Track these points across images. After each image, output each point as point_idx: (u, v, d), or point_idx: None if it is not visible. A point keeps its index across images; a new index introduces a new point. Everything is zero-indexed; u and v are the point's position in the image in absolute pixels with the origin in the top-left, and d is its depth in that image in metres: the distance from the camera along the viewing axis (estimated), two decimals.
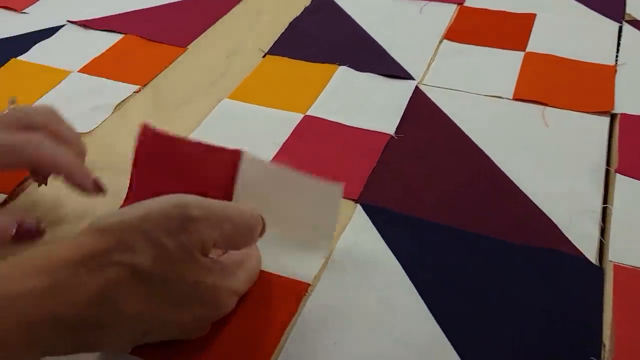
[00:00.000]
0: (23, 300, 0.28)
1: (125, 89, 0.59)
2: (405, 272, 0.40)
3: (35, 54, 0.65)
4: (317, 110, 0.54)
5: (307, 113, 0.54)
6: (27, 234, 0.38)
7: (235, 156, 0.40)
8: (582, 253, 0.41)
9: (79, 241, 0.31)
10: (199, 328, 0.35)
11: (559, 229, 0.43)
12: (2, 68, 0.63)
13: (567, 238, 0.42)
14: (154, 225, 0.31)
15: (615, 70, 0.57)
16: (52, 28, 0.69)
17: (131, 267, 0.30)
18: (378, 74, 0.58)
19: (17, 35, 0.68)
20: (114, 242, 0.30)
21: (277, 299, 0.39)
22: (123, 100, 0.58)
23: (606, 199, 0.45)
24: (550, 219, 0.43)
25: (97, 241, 0.30)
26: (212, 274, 0.33)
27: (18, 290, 0.28)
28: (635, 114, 0.52)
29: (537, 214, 0.44)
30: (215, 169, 0.41)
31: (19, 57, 0.64)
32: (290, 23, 0.68)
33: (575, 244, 0.42)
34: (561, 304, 0.38)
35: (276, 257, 0.41)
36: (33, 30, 0.69)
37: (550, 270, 0.40)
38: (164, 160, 0.42)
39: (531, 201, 0.45)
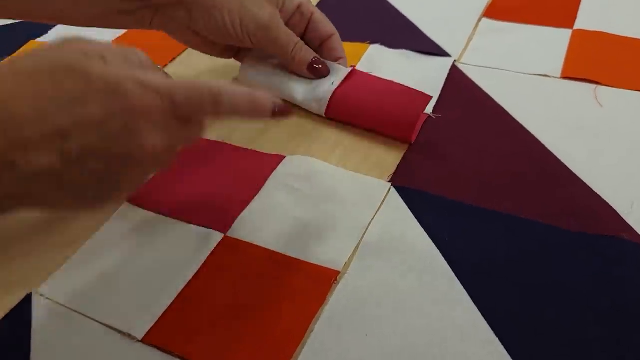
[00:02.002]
0: None
1: None
2: (445, 258, 0.36)
3: (54, 36, 0.63)
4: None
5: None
6: (280, 114, 0.34)
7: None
8: None
9: None
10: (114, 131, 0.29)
11: (619, 215, 0.38)
12: (21, 49, 0.61)
13: (628, 224, 0.37)
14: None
15: None
16: (47, 25, 0.67)
17: None
18: (413, 51, 0.54)
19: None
20: None
21: (304, 288, 0.35)
22: None
23: None
24: (608, 204, 0.39)
25: None
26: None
27: None
28: None
29: (594, 198, 0.39)
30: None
31: (38, 39, 0.63)
32: (318, 2, 0.64)
33: (638, 231, 0.37)
34: (627, 299, 0.33)
35: (302, 241, 0.38)
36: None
37: (612, 261, 0.35)
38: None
39: (586, 185, 0.40)
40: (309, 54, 0.47)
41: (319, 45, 0.49)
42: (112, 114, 0.28)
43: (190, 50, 0.59)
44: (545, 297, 0.34)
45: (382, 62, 0.53)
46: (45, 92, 0.27)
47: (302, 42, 0.47)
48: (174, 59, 0.58)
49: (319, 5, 0.63)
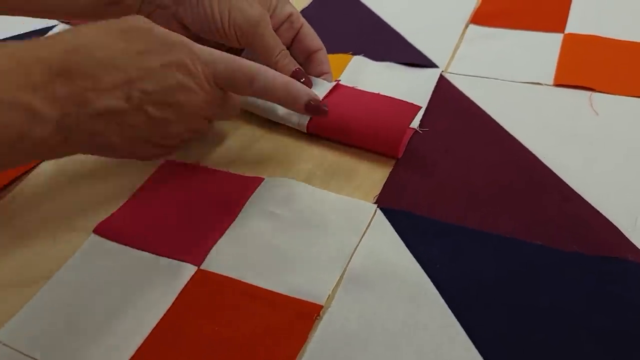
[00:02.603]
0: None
1: None
2: (436, 287, 0.34)
3: None
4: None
5: None
6: (314, 110, 0.40)
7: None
8: None
9: None
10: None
11: (622, 233, 0.35)
12: None
13: (632, 243, 0.35)
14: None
15: None
16: (45, 28, 0.64)
17: None
18: (397, 63, 0.52)
19: (8, 37, 0.63)
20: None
21: (284, 325, 0.32)
22: None
23: None
24: (609, 221, 0.36)
25: None
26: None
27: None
28: None
29: (593, 215, 0.37)
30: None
31: None
32: None
33: None
34: (632, 325, 0.31)
35: (282, 272, 0.35)
36: (25, 32, 0.64)
37: (615, 284, 0.33)
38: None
39: (584, 200, 0.38)
40: (292, 64, 0.45)
41: (305, 59, 0.47)
42: (168, 65, 0.35)
43: None
44: (545, 326, 0.31)
45: (365, 74, 0.51)
46: (118, 45, 0.34)
47: (287, 51, 0.45)
48: None
49: (301, 14, 0.61)
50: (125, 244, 0.38)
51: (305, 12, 0.61)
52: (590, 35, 0.52)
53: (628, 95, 0.46)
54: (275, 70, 0.45)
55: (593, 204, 0.37)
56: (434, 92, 0.48)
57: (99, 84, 0.33)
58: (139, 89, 0.34)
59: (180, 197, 0.41)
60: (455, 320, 0.32)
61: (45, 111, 0.31)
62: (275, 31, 0.45)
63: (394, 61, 0.52)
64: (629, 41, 0.51)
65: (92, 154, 0.37)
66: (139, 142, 0.36)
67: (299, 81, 0.45)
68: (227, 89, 0.39)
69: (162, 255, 0.37)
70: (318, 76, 0.46)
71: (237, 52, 0.48)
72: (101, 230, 0.39)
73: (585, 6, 0.57)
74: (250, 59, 0.47)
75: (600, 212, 0.37)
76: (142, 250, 0.37)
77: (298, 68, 0.45)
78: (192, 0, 0.43)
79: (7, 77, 0.30)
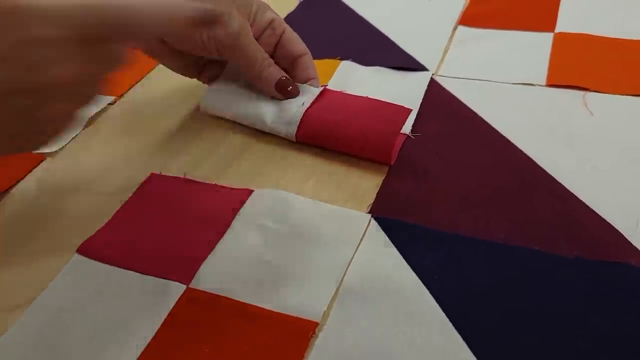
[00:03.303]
0: None
1: (99, 100, 0.52)
2: (435, 299, 0.32)
3: None
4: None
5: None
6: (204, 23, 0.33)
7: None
8: None
9: None
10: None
11: (624, 236, 0.34)
12: None
13: (635, 247, 0.34)
14: None
15: None
16: None
17: None
18: (386, 67, 0.51)
19: None
20: None
21: (279, 344, 0.31)
22: (97, 114, 0.50)
23: None
24: (610, 224, 0.35)
25: None
26: None
27: None
28: None
29: (593, 219, 0.36)
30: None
31: None
32: (284, 18, 0.60)
33: None
34: (636, 330, 0.30)
35: (275, 289, 0.33)
36: None
37: (618, 289, 0.32)
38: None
39: (583, 204, 0.37)
40: (277, 72, 0.44)
41: (290, 64, 0.46)
42: (12, 46, 0.27)
43: (151, 74, 0.55)
44: (550, 334, 0.30)
45: (354, 80, 0.49)
46: None
47: (271, 59, 0.44)
48: (135, 83, 0.54)
49: (286, 19, 0.60)
50: (111, 264, 0.36)
51: (290, 16, 0.60)
52: (581, 34, 0.52)
53: (622, 94, 0.45)
54: (260, 80, 0.44)
55: (590, 206, 0.37)
56: (425, 95, 0.47)
57: None
58: None
59: (167, 213, 0.39)
60: (457, 333, 0.30)
61: None
62: (257, 39, 0.44)
63: (383, 65, 0.51)
64: (620, 39, 0.51)
65: None
66: (13, 136, 0.30)
67: (286, 89, 0.44)
68: (97, 41, 0.30)
69: (149, 275, 0.35)
70: (304, 82, 0.45)
71: (220, 64, 0.47)
72: (85, 250, 0.37)
73: (574, 4, 0.56)
74: (233, 71, 0.46)
75: (599, 214, 0.36)
76: (128, 269, 0.36)
77: (284, 76, 0.44)
78: None
79: None
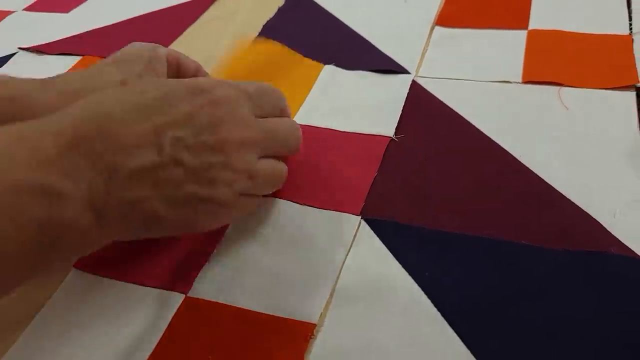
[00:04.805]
0: None
1: None
2: (427, 295, 0.34)
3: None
4: (304, 117, 0.48)
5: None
6: None
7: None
8: (635, 252, 0.34)
9: None
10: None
11: (603, 227, 0.36)
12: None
13: (614, 236, 0.35)
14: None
15: (632, 40, 0.51)
16: (3, 57, 0.63)
17: None
18: (368, 71, 0.52)
19: None
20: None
21: (279, 347, 0.32)
22: None
23: None
24: (590, 215, 0.37)
25: None
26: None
27: None
28: None
29: (574, 211, 0.37)
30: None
31: None
32: (263, 26, 0.61)
33: (625, 243, 0.35)
34: (617, 318, 0.31)
35: (273, 293, 0.34)
36: None
37: (600, 279, 0.33)
38: None
39: (564, 196, 0.38)
40: None
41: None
42: (199, 106, 0.31)
43: None
44: (542, 327, 0.31)
45: (337, 85, 0.50)
46: (132, 96, 0.30)
47: None
48: None
49: (266, 25, 0.61)
50: (108, 277, 0.37)
51: (270, 23, 0.61)
52: (553, 30, 0.53)
53: (595, 88, 0.47)
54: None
55: (570, 198, 0.38)
56: (407, 98, 0.48)
57: (123, 142, 0.28)
58: (169, 136, 0.29)
59: None
60: (450, 328, 0.32)
61: (68, 188, 0.26)
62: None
63: (365, 69, 0.52)
64: (591, 33, 0.52)
65: (135, 237, 0.32)
66: (183, 202, 0.30)
67: None
68: (263, 111, 0.35)
69: (148, 286, 0.36)
70: None
71: None
72: (82, 264, 0.38)
73: (546, 1, 0.58)
74: None
75: (579, 205, 0.38)
76: (127, 281, 0.36)
77: None
78: None
79: (13, 157, 0.26)
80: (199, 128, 0.30)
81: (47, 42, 0.64)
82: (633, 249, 0.34)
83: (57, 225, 0.26)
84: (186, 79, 0.33)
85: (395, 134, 0.44)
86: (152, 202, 0.29)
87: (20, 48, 0.63)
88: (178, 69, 0.43)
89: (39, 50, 0.63)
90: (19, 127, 0.27)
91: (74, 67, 0.58)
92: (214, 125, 0.31)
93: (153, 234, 0.32)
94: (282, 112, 0.38)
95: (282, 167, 0.37)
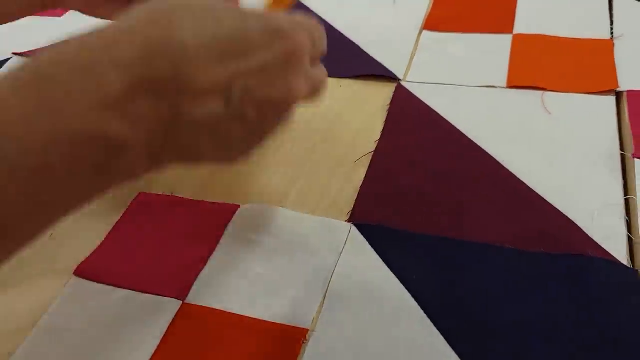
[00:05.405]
0: None
1: None
2: (415, 299, 0.35)
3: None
4: None
5: None
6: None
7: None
8: (610, 254, 0.36)
9: None
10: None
11: (581, 229, 0.38)
12: None
13: (591, 238, 0.37)
14: None
15: (613, 44, 0.52)
16: None
17: None
18: (357, 77, 0.53)
19: None
20: None
21: (273, 352, 0.33)
22: None
23: (626, 188, 0.40)
24: (568, 218, 0.38)
25: None
26: None
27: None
28: None
29: (553, 214, 0.39)
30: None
31: None
32: None
33: (601, 245, 0.37)
34: (594, 319, 0.33)
35: (267, 299, 0.36)
36: None
37: (577, 280, 0.35)
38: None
39: (544, 200, 0.40)
40: None
41: None
42: (275, 55, 0.28)
43: None
44: (525, 329, 0.33)
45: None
46: (211, 30, 0.26)
47: None
48: None
49: None
50: (108, 284, 0.38)
51: None
52: (537, 35, 0.55)
53: (577, 92, 0.48)
54: None
55: (552, 202, 0.40)
56: (394, 102, 0.49)
57: (193, 87, 0.25)
58: (239, 88, 0.27)
59: (158, 231, 0.41)
60: (436, 330, 0.33)
61: (128, 137, 0.24)
62: None
63: (353, 74, 0.53)
64: (574, 38, 0.54)
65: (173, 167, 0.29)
66: (233, 149, 0.29)
67: None
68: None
69: (146, 292, 0.37)
70: None
71: None
72: (82, 272, 0.39)
73: (530, 5, 0.59)
74: None
75: (559, 209, 0.39)
76: (125, 288, 0.38)
77: None
78: None
79: (74, 95, 0.23)
80: (271, 80, 0.28)
81: (40, 47, 0.64)
82: (609, 251, 0.36)
83: (112, 172, 0.25)
84: (265, 15, 0.29)
85: (381, 138, 0.46)
86: (204, 148, 0.28)
87: (14, 53, 0.64)
88: None
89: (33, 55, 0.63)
90: (83, 51, 0.24)
91: None
92: (285, 79, 0.28)
93: (193, 166, 0.31)
94: (323, 51, 0.34)
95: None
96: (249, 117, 0.28)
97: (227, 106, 0.26)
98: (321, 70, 0.33)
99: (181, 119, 0.26)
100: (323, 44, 0.33)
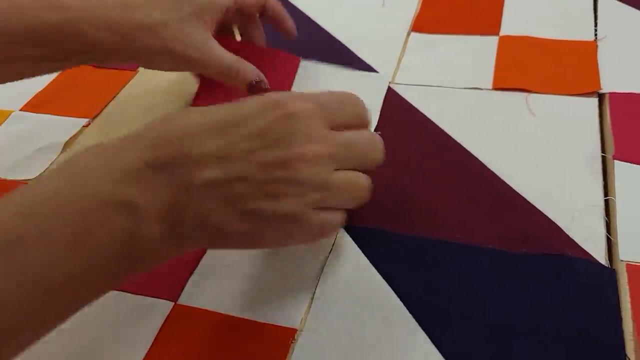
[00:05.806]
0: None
1: (74, 124, 0.54)
2: (400, 300, 0.36)
3: None
4: None
5: None
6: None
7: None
8: (589, 254, 0.37)
9: None
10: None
11: (562, 229, 0.39)
12: None
13: (571, 239, 0.38)
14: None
15: (597, 46, 0.53)
16: None
17: None
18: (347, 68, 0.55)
19: None
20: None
21: (263, 352, 0.34)
22: (72, 137, 0.52)
23: (606, 190, 0.41)
24: (550, 219, 0.40)
25: None
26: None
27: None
28: (624, 91, 0.48)
29: (535, 215, 0.40)
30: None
31: None
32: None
33: (581, 245, 0.38)
34: (574, 319, 0.34)
35: (256, 300, 0.37)
36: None
37: (557, 280, 0.36)
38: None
39: (527, 201, 0.41)
40: (248, 75, 0.45)
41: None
42: (272, 120, 0.31)
43: (121, 93, 0.57)
44: (508, 330, 0.34)
45: (317, 78, 0.54)
46: (213, 118, 0.31)
47: (238, 62, 0.45)
48: (107, 103, 0.56)
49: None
50: None
51: None
52: (523, 36, 0.56)
53: (561, 94, 0.49)
54: (232, 85, 0.46)
55: (534, 203, 0.41)
56: (382, 105, 0.50)
57: (197, 158, 0.30)
58: (240, 150, 0.30)
59: None
60: (421, 329, 0.34)
61: (148, 203, 0.28)
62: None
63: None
64: (559, 40, 0.55)
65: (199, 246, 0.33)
66: (249, 216, 0.30)
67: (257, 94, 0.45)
68: (338, 124, 0.34)
69: (138, 294, 0.38)
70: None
71: None
72: None
73: (517, 7, 0.60)
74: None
75: (541, 210, 0.40)
76: (117, 290, 0.39)
77: (256, 81, 0.46)
78: (148, 60, 0.44)
79: (97, 172, 0.28)
80: (271, 142, 0.30)
81: None
82: (589, 251, 0.37)
83: (136, 239, 0.28)
84: (261, 96, 0.33)
85: None
86: (219, 215, 0.30)
87: None
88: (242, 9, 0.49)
89: None
90: (98, 147, 0.29)
91: (60, 75, 0.60)
92: (286, 140, 0.31)
93: (220, 247, 0.34)
94: (361, 120, 0.36)
95: (361, 178, 0.34)
96: (253, 177, 0.30)
97: (227, 168, 0.30)
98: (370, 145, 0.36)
99: (193, 185, 0.29)
100: (359, 114, 0.36)
